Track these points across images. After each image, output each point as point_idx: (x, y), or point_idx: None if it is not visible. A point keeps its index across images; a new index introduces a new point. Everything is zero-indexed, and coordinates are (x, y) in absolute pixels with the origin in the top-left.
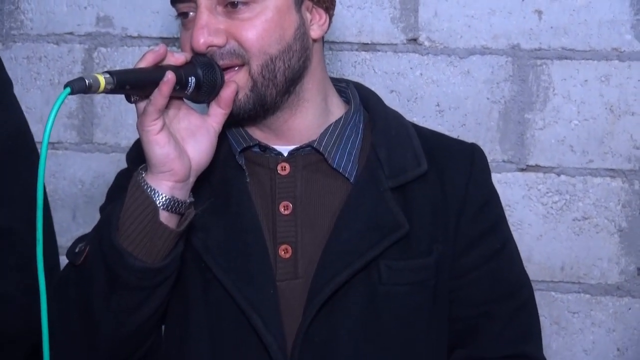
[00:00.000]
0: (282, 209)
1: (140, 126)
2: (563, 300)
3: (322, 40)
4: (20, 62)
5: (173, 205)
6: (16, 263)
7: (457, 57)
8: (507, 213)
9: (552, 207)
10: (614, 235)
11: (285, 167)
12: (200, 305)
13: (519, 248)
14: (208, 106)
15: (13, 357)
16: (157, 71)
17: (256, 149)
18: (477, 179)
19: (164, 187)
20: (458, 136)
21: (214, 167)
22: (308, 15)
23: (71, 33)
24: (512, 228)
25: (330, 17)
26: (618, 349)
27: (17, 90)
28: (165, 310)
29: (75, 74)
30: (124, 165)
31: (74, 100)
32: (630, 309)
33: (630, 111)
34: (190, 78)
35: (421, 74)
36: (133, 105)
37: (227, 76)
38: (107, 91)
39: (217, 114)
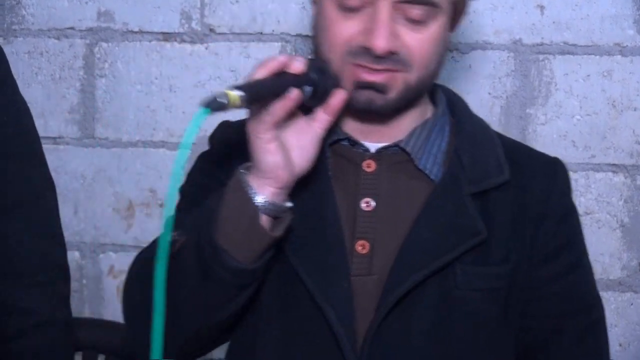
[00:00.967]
0: (363, 205)
1: (253, 132)
2: None
3: None
4: (21, 57)
5: (273, 210)
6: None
7: (459, 52)
8: None
9: None
10: (616, 231)
11: (370, 164)
12: (273, 293)
13: None
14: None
15: None
16: (280, 83)
17: (345, 142)
18: (558, 193)
19: (267, 191)
20: None
21: None
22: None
23: (72, 28)
24: None
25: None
26: (620, 345)
27: (19, 85)
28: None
29: (76, 68)
30: (125, 160)
31: (74, 95)
32: (632, 304)
33: (632, 106)
34: (306, 87)
35: None
36: (135, 100)
37: (384, 76)
38: (237, 107)
39: (322, 120)
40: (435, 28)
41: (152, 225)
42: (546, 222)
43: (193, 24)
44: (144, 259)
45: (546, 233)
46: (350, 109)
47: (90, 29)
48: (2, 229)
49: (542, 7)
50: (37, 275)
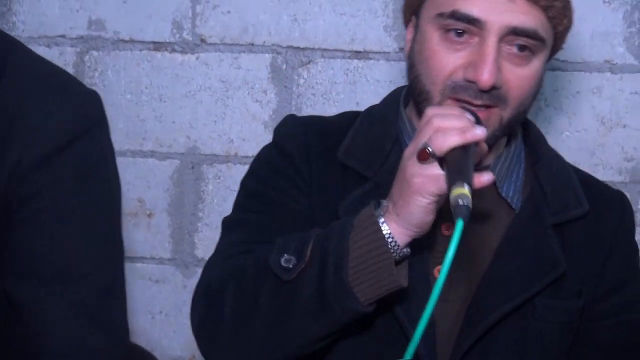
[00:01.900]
0: (444, 229)
1: (423, 190)
2: None
3: None
4: None
5: (402, 257)
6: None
7: None
8: None
9: None
10: None
11: None
12: None
13: None
14: None
15: None
16: (470, 158)
17: None
18: (627, 227)
19: (403, 239)
20: None
21: (391, 174)
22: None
23: (63, 36)
24: None
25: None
26: None
27: None
28: None
29: None
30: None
31: None
32: None
33: (621, 123)
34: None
35: None
36: (125, 109)
37: (484, 113)
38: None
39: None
40: (536, 64)
41: (140, 234)
42: (614, 255)
43: (184, 34)
44: (238, 277)
45: (612, 267)
46: None
47: (81, 37)
48: (38, 298)
49: None
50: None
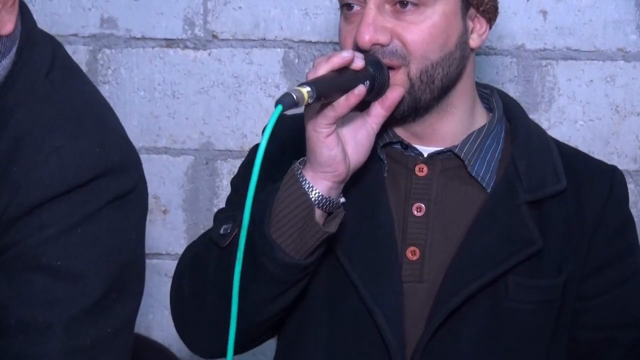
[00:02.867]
0: (415, 211)
1: (312, 126)
2: None
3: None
4: None
5: (327, 204)
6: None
7: None
8: None
9: None
10: None
11: (423, 168)
12: (321, 293)
13: None
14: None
15: None
16: (345, 79)
17: (397, 146)
18: (615, 202)
19: (323, 185)
20: None
21: None
22: (470, 24)
23: (75, 34)
24: None
25: (490, 27)
26: None
27: None
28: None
29: None
30: None
31: None
32: None
33: (635, 111)
34: (366, 81)
35: None
36: (138, 106)
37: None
38: (307, 104)
39: (378, 115)
40: (432, 15)
41: (155, 231)
42: (601, 231)
43: (196, 30)
44: (193, 256)
45: (600, 243)
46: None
47: (93, 36)
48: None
49: (545, 13)
50: None
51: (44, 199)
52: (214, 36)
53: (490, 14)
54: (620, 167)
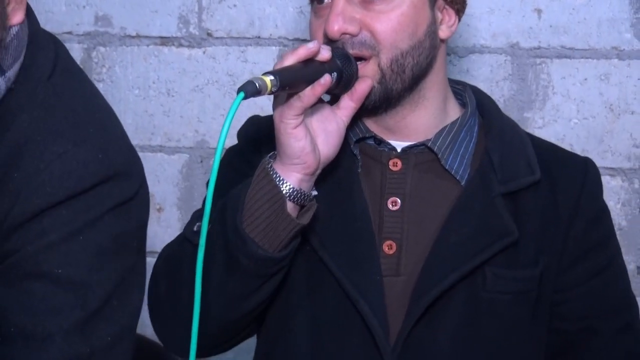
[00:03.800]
0: (390, 205)
1: (280, 117)
2: None
3: (446, 42)
4: None
5: (299, 197)
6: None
7: (456, 56)
8: None
9: None
10: None
11: (397, 163)
12: (302, 288)
13: None
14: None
15: None
16: (311, 70)
17: (370, 141)
18: (590, 193)
19: (293, 178)
20: None
21: None
22: (439, 15)
23: (70, 32)
24: None
25: (459, 19)
26: None
27: None
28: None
29: None
30: None
31: None
32: None
33: (629, 110)
34: (333, 73)
35: None
36: (133, 104)
37: (360, 69)
38: (271, 93)
39: (347, 107)
40: (400, 4)
41: (150, 229)
42: (577, 222)
43: (191, 28)
44: (168, 255)
45: (576, 234)
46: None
47: (87, 34)
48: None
49: (539, 11)
50: None
51: (46, 205)
52: (209, 34)
53: (459, 5)
54: (614, 165)
